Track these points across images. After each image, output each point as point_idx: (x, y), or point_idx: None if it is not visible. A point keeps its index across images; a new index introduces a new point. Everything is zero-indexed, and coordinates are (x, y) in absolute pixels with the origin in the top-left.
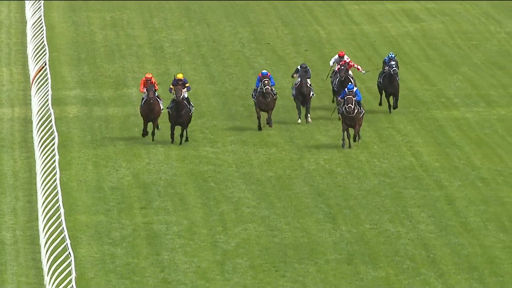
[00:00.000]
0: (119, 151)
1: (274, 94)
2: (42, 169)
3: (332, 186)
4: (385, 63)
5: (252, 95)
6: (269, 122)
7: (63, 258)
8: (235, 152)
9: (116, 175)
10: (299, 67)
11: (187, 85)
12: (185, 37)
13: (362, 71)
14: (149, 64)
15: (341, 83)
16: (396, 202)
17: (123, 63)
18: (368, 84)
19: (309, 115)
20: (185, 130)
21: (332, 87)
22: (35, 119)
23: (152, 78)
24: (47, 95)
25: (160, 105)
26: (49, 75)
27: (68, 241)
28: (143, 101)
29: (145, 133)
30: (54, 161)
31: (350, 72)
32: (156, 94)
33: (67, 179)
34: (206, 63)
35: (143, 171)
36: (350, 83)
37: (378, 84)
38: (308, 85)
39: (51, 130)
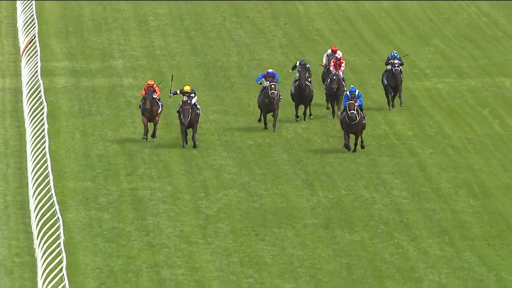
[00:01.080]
0: (106, 120)
1: (280, 97)
2: (32, 137)
3: (310, 154)
4: (388, 60)
5: (258, 100)
6: (274, 125)
7: (52, 223)
8: (217, 121)
9: (102, 143)
10: (298, 63)
11: (194, 96)
12: (169, 11)
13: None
14: (134, 36)
15: (334, 93)
16: (370, 169)
17: (109, 35)
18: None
19: (309, 112)
20: (194, 133)
21: (325, 93)
22: (25, 90)
23: (154, 84)
24: (37, 67)
25: (159, 105)
26: (38, 48)
27: (56, 206)
28: (142, 102)
29: (145, 131)
30: (43, 130)
31: (341, 74)
32: (157, 97)
33: (56, 147)
34: (189, 36)
35: (128, 139)
36: (352, 86)
37: (383, 84)
38: (308, 82)
39: (40, 100)
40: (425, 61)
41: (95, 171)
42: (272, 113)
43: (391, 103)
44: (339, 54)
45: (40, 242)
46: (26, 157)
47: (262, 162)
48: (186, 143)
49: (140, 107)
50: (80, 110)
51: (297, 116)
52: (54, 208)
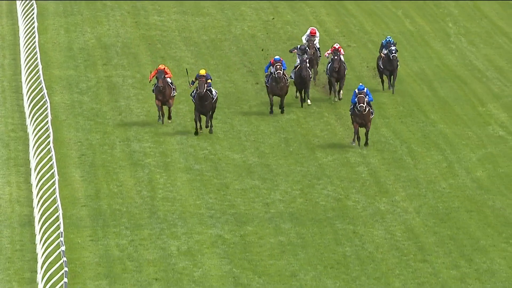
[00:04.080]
0: (86, 19)
1: (287, 80)
2: (24, 33)
3: (254, 47)
4: (383, 46)
5: (265, 82)
6: (281, 107)
7: (41, 104)
8: (177, 20)
9: (83, 38)
10: (298, 47)
11: (209, 81)
12: None
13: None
14: None
15: (336, 72)
16: None
17: None
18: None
19: (308, 99)
20: (209, 119)
21: (328, 76)
22: None
23: (165, 68)
24: None
25: (172, 88)
26: None
27: (45, 91)
28: (155, 86)
29: (160, 116)
30: (34, 27)
31: (342, 58)
32: (169, 81)
33: (44, 41)
34: None
35: (104, 35)
36: (360, 84)
37: (378, 69)
38: (308, 68)
39: (32, 2)
40: None
41: (76, 62)
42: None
43: (388, 84)
44: (337, 45)
45: (31, 120)
46: (19, 50)
47: (215, 54)
48: (200, 128)
49: (153, 91)
50: (64, 11)
51: (300, 99)
52: (43, 92)
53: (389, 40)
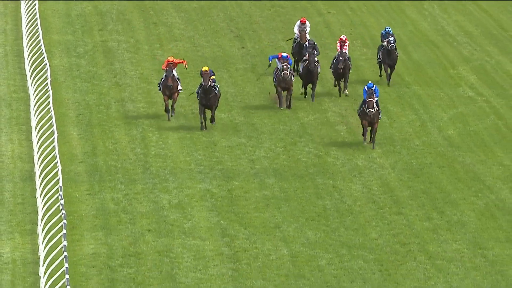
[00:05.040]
0: None
1: (293, 76)
2: (25, 0)
3: (240, 14)
4: (383, 36)
5: (274, 78)
6: (288, 101)
7: (41, 67)
8: None
9: (80, 5)
10: (307, 43)
11: (212, 77)
12: None
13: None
14: None
15: (341, 72)
16: (287, 26)
17: None
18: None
19: (312, 96)
20: (213, 113)
21: (332, 72)
22: None
23: (174, 60)
24: None
25: (178, 83)
26: None
27: (45, 54)
28: (162, 80)
29: (166, 108)
30: None
31: (347, 53)
32: (176, 76)
33: (44, 8)
34: None
35: (100, 2)
36: (370, 82)
37: (378, 59)
38: (316, 62)
39: None
40: None
41: (74, 27)
42: (287, 91)
43: (387, 77)
44: (344, 36)
45: (32, 82)
46: (21, 16)
47: (204, 20)
48: (205, 127)
49: (159, 86)
50: None
51: (305, 95)
52: (43, 56)
53: (388, 30)
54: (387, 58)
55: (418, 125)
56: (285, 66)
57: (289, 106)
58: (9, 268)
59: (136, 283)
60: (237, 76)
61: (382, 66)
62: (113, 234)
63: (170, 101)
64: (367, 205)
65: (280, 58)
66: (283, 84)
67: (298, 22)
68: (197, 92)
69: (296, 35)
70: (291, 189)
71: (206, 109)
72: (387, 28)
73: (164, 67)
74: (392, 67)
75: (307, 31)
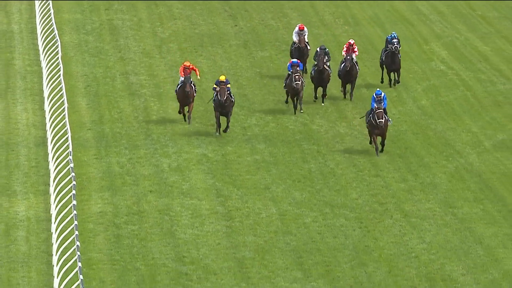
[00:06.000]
0: None
1: (303, 82)
2: None
3: None
4: (388, 41)
5: (284, 84)
6: (299, 104)
7: (53, 43)
8: None
9: None
10: (318, 49)
11: (228, 85)
12: None
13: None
14: None
15: (347, 73)
16: (276, 5)
17: None
18: None
19: (324, 99)
20: (228, 119)
21: (338, 75)
22: None
23: (190, 65)
24: None
25: (194, 90)
26: None
27: (56, 31)
28: (179, 86)
29: (182, 113)
30: None
31: (354, 57)
32: (192, 82)
33: None
34: None
35: None
36: (378, 89)
37: (380, 62)
38: (326, 67)
39: None
40: None
41: (83, 7)
42: (296, 96)
43: (390, 80)
44: (352, 40)
45: (44, 56)
46: None
47: (200, 0)
48: (219, 133)
49: (176, 91)
50: None
51: (315, 98)
52: (54, 33)
53: (393, 35)
54: (391, 62)
55: (394, 95)
56: (297, 76)
57: (299, 109)
58: (24, 225)
59: (139, 238)
60: (231, 51)
61: (384, 69)
62: (118, 195)
63: (185, 108)
64: (348, 168)
65: (293, 65)
66: (292, 92)
67: (296, 29)
68: (213, 100)
69: (294, 40)
70: (279, 153)
71: (221, 116)
72: (393, 34)
73: (181, 73)
74: (397, 71)
75: (306, 36)
